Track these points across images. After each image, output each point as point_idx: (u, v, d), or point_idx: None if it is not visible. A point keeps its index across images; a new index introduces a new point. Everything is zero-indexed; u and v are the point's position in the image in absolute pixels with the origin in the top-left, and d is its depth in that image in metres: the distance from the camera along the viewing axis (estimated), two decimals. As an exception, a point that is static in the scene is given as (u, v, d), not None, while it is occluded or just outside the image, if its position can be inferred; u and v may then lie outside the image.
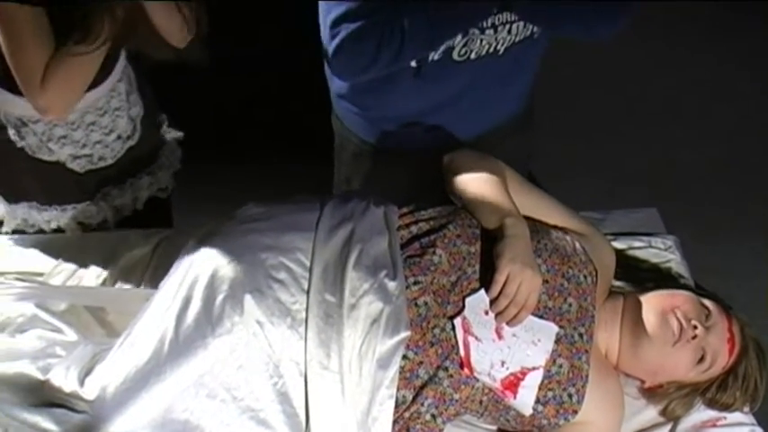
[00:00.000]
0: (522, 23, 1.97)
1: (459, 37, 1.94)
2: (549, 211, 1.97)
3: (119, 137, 2.13)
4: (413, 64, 1.96)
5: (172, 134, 2.36)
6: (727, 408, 1.88)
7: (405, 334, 1.67)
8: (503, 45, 2.00)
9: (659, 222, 2.32)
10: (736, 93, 3.92)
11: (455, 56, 1.97)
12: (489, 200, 1.84)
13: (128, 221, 2.29)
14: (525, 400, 1.73)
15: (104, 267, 2.09)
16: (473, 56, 1.99)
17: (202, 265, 1.71)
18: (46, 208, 2.14)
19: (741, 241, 3.18)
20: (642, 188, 3.04)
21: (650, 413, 1.92)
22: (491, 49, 1.99)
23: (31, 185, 2.11)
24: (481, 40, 1.96)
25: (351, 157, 2.29)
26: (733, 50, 4.15)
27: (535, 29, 2.02)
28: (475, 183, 1.88)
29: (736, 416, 1.89)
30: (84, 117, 2.03)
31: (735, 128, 3.72)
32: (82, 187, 2.15)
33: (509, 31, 1.97)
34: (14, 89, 1.89)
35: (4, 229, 2.18)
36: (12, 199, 2.13)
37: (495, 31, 1.96)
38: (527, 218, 1.83)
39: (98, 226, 2.23)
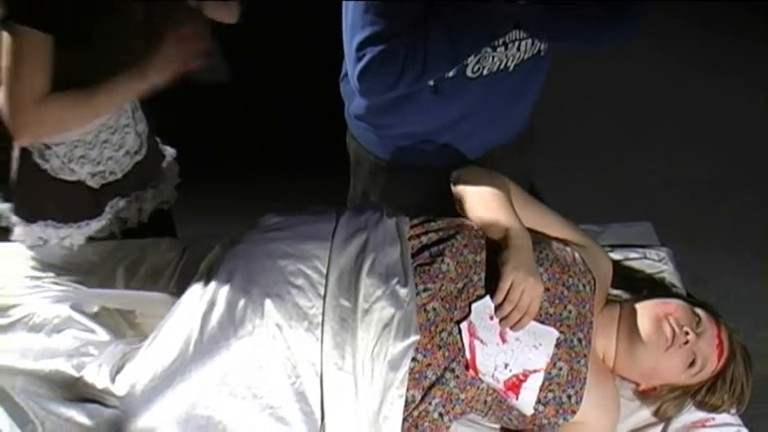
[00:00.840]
0: (530, 41, 1.97)
1: (471, 55, 1.95)
2: (550, 224, 1.97)
3: (127, 152, 2.12)
4: (430, 82, 1.96)
5: (168, 150, 2.36)
6: (715, 409, 1.88)
7: (414, 338, 1.67)
8: (513, 62, 1.99)
9: (653, 235, 2.31)
10: (729, 109, 3.91)
11: (469, 73, 1.97)
12: (495, 212, 1.84)
13: (132, 233, 2.28)
14: (527, 400, 1.72)
15: (134, 273, 2.09)
16: (485, 72, 1.98)
17: (226, 271, 1.71)
18: (62, 226, 2.11)
19: (729, 254, 3.17)
20: (638, 203, 3.04)
21: (644, 414, 1.91)
22: (502, 66, 1.99)
23: (49, 205, 2.09)
24: (493, 57, 1.95)
25: (367, 173, 2.29)
26: (727, 64, 4.13)
27: (542, 46, 2.01)
28: (481, 197, 1.88)
29: (723, 417, 1.88)
30: (99, 136, 2.03)
31: (728, 146, 3.71)
32: (96, 202, 2.14)
33: (518, 48, 1.97)
34: None
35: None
36: (30, 219, 2.10)
37: (506, 49, 1.95)
38: (530, 230, 1.83)
39: (105, 239, 2.21)
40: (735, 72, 4.10)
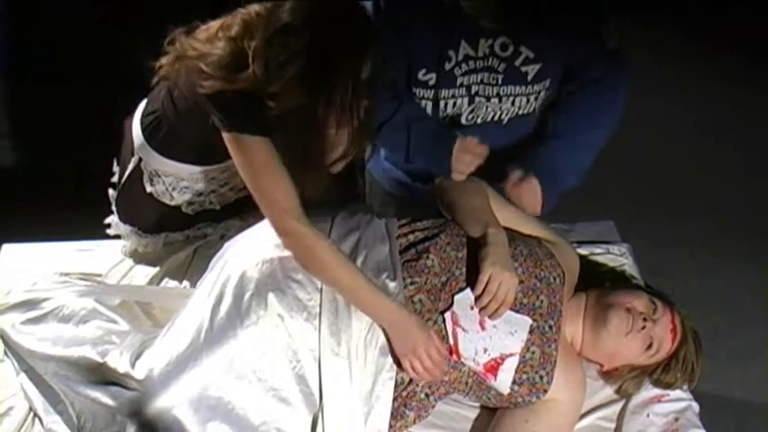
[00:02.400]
0: (525, 99, 1.93)
1: (465, 104, 1.91)
2: (523, 223, 1.96)
3: (231, 189, 2.03)
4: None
5: None
6: (670, 386, 1.88)
7: None
8: (507, 116, 1.96)
9: (615, 233, 2.31)
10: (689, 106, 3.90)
11: (463, 121, 1.95)
12: (474, 213, 1.83)
13: None
14: (504, 381, 1.71)
15: (151, 266, 2.08)
16: (479, 121, 1.96)
17: (233, 267, 1.70)
18: (147, 236, 2.07)
19: (682, 248, 3.18)
20: (602, 203, 3.04)
21: (607, 392, 1.90)
22: (495, 118, 1.96)
23: (144, 218, 2.05)
24: (486, 107, 1.93)
25: (379, 203, 2.28)
26: (686, 59, 4.11)
27: (537, 105, 1.96)
28: (462, 199, 1.88)
29: (677, 393, 1.88)
30: (208, 172, 1.95)
31: (687, 145, 3.70)
32: (186, 224, 2.09)
33: (512, 103, 1.94)
34: (161, 150, 1.87)
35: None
36: (124, 220, 2.07)
37: (500, 101, 1.92)
38: (505, 228, 1.82)
39: None
40: (693, 67, 4.08)
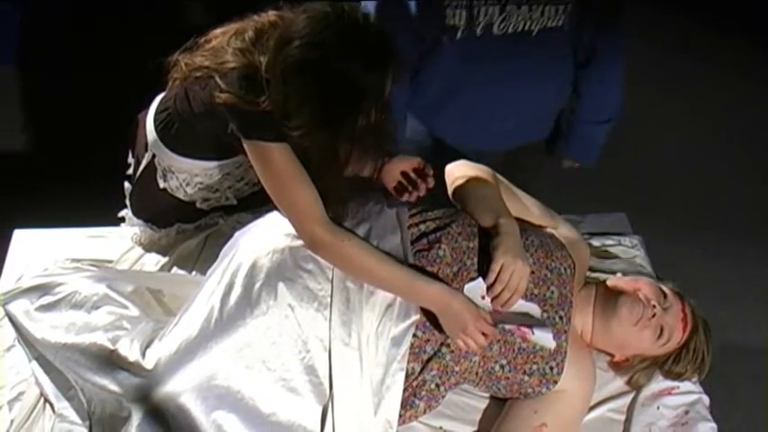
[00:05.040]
0: (554, 8, 1.93)
1: (497, 13, 1.90)
2: (535, 213, 1.95)
3: (247, 183, 2.01)
4: (459, 35, 1.93)
5: None
6: (679, 377, 1.87)
7: (415, 317, 1.66)
8: (536, 26, 1.95)
9: (627, 225, 2.30)
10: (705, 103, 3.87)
11: (495, 30, 1.93)
12: (485, 203, 1.81)
13: None
14: (542, 335, 1.71)
15: (162, 256, 2.07)
16: (510, 30, 1.93)
17: (243, 256, 1.69)
18: (160, 230, 2.06)
19: (694, 240, 3.16)
20: (614, 195, 3.02)
21: (617, 383, 1.89)
22: (525, 28, 1.94)
23: (158, 212, 2.03)
24: (517, 15, 1.92)
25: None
26: (700, 53, 4.08)
27: (565, 20, 1.96)
28: (473, 189, 1.86)
29: (687, 386, 1.87)
30: (223, 168, 1.92)
31: (698, 138, 3.68)
32: (199, 216, 2.07)
33: (542, 13, 1.93)
34: (173, 147, 1.85)
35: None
36: (138, 215, 2.06)
37: (530, 9, 1.92)
38: (516, 218, 1.80)
39: None
40: (707, 61, 4.04)
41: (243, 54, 1.60)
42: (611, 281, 1.91)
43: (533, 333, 1.70)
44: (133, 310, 1.80)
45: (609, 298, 1.83)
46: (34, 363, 1.78)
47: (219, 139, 1.74)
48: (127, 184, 2.04)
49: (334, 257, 1.65)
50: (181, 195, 1.97)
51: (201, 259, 2.03)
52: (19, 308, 1.83)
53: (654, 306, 1.79)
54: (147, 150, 1.92)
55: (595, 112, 2.18)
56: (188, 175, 1.92)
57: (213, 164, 1.89)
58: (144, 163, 1.94)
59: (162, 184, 1.95)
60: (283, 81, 1.52)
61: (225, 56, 1.61)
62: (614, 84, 2.15)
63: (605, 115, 2.19)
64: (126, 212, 2.09)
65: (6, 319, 1.86)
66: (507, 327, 1.70)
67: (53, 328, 1.76)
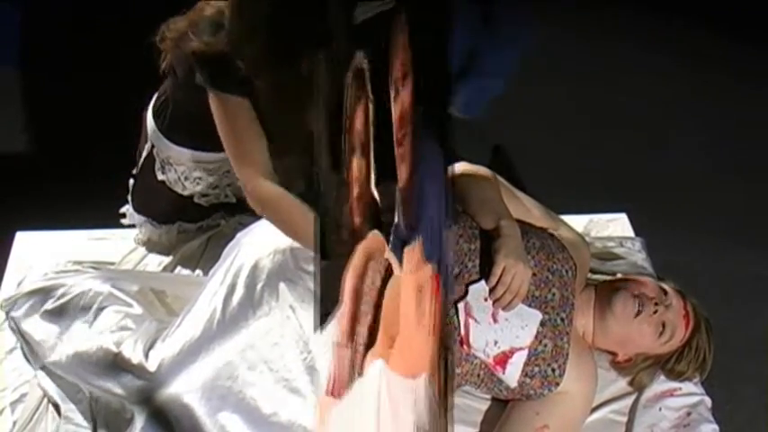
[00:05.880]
0: None
1: None
2: (535, 215, 1.94)
3: None
4: None
5: None
6: (681, 376, 1.86)
7: None
8: None
9: (628, 225, 2.31)
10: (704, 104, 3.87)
11: None
12: (486, 205, 1.81)
13: None
14: (512, 374, 1.70)
15: (165, 256, 2.08)
16: None
17: (245, 257, 1.70)
18: (160, 226, 2.06)
19: (695, 242, 3.16)
20: (615, 195, 3.02)
21: (619, 385, 1.89)
22: None
23: (157, 208, 2.04)
24: None
25: None
26: (701, 55, 4.08)
27: None
28: (473, 191, 1.85)
29: (689, 387, 1.87)
30: (222, 165, 1.92)
31: (699, 138, 3.68)
32: (200, 215, 2.08)
33: None
34: (168, 133, 1.86)
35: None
36: (138, 210, 2.07)
37: None
38: (518, 220, 1.80)
39: None
40: (708, 62, 4.04)
41: (217, 5, 1.60)
42: (610, 280, 1.92)
43: (504, 372, 1.70)
44: (137, 309, 1.81)
45: (609, 296, 1.83)
46: (40, 371, 1.78)
47: (208, 124, 1.72)
48: (132, 181, 2.05)
49: (275, 215, 1.64)
50: (179, 189, 1.97)
51: (204, 260, 2.04)
52: (22, 313, 1.83)
53: (656, 303, 1.79)
54: (147, 142, 1.93)
55: None
56: (186, 168, 1.93)
57: (210, 155, 1.89)
58: (144, 154, 1.95)
59: (160, 176, 1.95)
60: (238, 11, 1.50)
61: (202, 9, 1.62)
62: None
63: None
64: (127, 208, 2.09)
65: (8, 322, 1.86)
66: (481, 356, 1.69)
67: (58, 337, 1.77)
